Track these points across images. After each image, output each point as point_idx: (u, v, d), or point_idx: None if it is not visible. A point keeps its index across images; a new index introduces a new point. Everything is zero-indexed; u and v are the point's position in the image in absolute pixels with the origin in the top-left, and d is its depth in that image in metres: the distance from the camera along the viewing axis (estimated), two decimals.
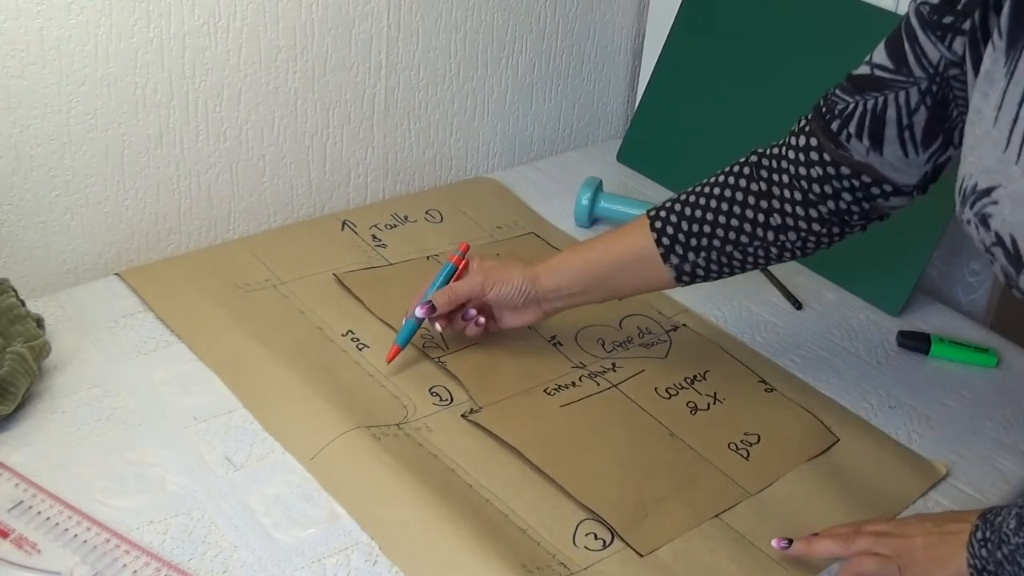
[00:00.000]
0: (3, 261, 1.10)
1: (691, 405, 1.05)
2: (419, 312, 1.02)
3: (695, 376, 1.09)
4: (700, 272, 0.99)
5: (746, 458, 0.99)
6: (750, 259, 0.98)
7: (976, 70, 0.79)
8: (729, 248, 0.97)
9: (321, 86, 1.27)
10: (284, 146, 1.27)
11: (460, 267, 1.06)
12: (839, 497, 0.96)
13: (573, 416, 1.01)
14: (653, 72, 1.49)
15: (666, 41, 1.47)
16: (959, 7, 0.80)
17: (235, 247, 1.22)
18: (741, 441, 1.01)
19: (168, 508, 0.87)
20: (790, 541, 0.88)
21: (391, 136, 1.37)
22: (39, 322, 1.02)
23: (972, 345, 1.18)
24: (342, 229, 1.28)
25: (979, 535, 0.80)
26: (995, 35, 0.76)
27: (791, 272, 1.29)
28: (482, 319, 1.05)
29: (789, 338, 1.18)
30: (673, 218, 0.98)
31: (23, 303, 1.03)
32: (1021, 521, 0.77)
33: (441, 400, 1.02)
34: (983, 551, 0.79)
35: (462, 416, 1.00)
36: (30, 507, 0.85)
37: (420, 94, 1.37)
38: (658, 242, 0.98)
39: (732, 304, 1.23)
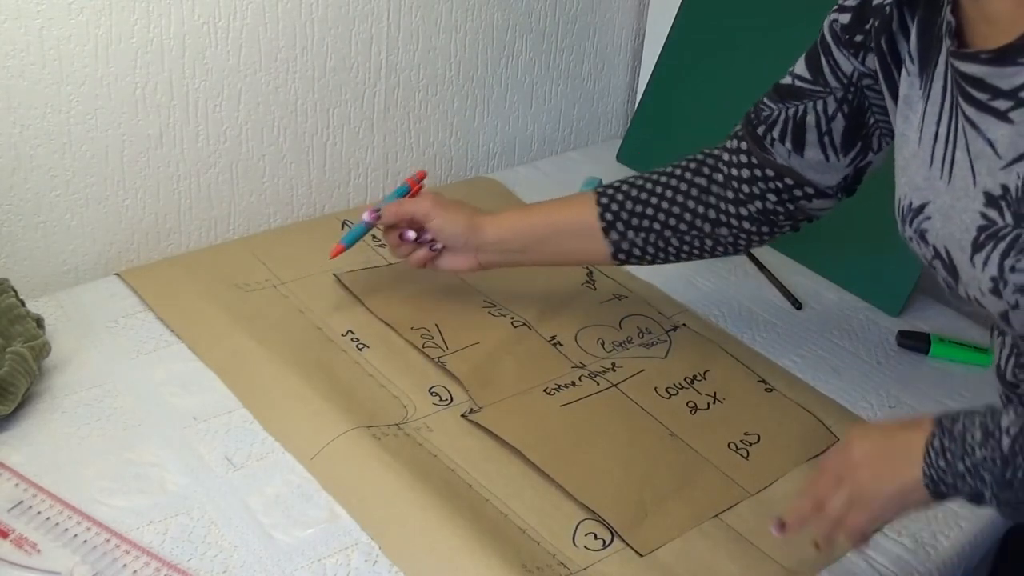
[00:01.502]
0: (3, 261, 1.10)
1: (691, 405, 1.05)
2: (366, 217, 1.06)
3: (695, 376, 1.09)
4: (636, 252, 1.03)
5: (746, 458, 0.99)
6: (685, 247, 1.02)
7: (894, 97, 0.84)
8: (668, 233, 1.01)
9: (321, 86, 1.27)
10: (284, 146, 1.27)
11: (414, 190, 1.12)
12: None
13: (573, 416, 1.01)
14: (653, 72, 1.48)
15: (666, 41, 1.47)
16: (867, 27, 0.86)
17: (235, 247, 1.22)
18: (741, 441, 1.01)
19: (168, 508, 0.87)
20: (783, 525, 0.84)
21: (391, 136, 1.37)
22: (39, 322, 1.02)
23: (972, 345, 1.18)
24: (342, 229, 1.28)
25: (936, 443, 0.74)
26: (907, 61, 0.82)
27: (791, 272, 1.29)
28: (426, 242, 1.06)
29: (789, 338, 1.18)
30: (619, 196, 1.02)
31: (23, 303, 1.03)
32: (986, 432, 0.72)
33: (441, 400, 1.02)
34: (941, 461, 0.73)
35: (462, 416, 1.00)
36: (30, 507, 0.85)
37: (420, 94, 1.37)
38: (601, 216, 1.03)
39: (732, 304, 1.23)
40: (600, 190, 1.04)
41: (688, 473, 0.97)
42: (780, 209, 0.98)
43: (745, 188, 0.98)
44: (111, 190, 1.15)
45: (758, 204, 0.98)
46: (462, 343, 1.09)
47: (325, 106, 1.28)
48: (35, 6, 1.02)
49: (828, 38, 0.90)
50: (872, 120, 0.92)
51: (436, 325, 1.11)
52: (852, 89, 0.90)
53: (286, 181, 1.29)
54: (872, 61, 0.87)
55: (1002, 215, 0.73)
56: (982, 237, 0.74)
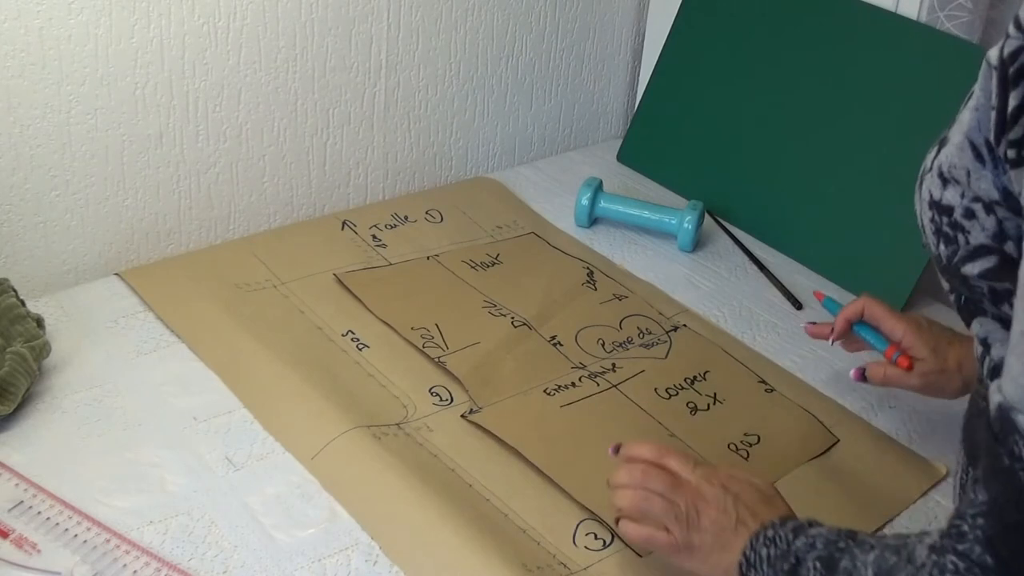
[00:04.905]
0: (3, 261, 1.10)
1: (691, 405, 1.05)
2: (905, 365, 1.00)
3: (695, 376, 1.09)
4: None
5: (746, 458, 0.99)
6: None
7: None
8: None
9: (321, 86, 1.27)
10: (284, 146, 1.27)
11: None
12: (839, 497, 0.96)
13: (573, 416, 1.01)
14: (653, 72, 1.49)
15: (666, 41, 1.47)
16: None
17: (235, 247, 1.22)
18: (741, 441, 1.01)
19: (168, 508, 0.87)
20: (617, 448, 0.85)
21: (391, 136, 1.37)
22: (39, 322, 1.02)
23: None
24: (342, 229, 1.28)
25: (769, 532, 0.75)
26: None
27: (791, 272, 1.29)
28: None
29: (789, 338, 1.18)
30: None
31: (23, 303, 1.03)
32: (798, 533, 0.73)
33: (441, 400, 1.02)
34: (764, 550, 0.74)
35: (462, 416, 1.00)
36: (30, 507, 0.85)
37: (420, 94, 1.37)
38: None
39: (732, 304, 1.23)
40: None
41: None
42: None
43: None
44: (111, 190, 1.15)
45: None
46: (462, 343, 1.09)
47: (325, 106, 1.28)
48: (35, 6, 1.02)
49: None
50: None
51: (436, 325, 1.11)
52: None
53: (286, 181, 1.29)
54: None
55: None
56: None
